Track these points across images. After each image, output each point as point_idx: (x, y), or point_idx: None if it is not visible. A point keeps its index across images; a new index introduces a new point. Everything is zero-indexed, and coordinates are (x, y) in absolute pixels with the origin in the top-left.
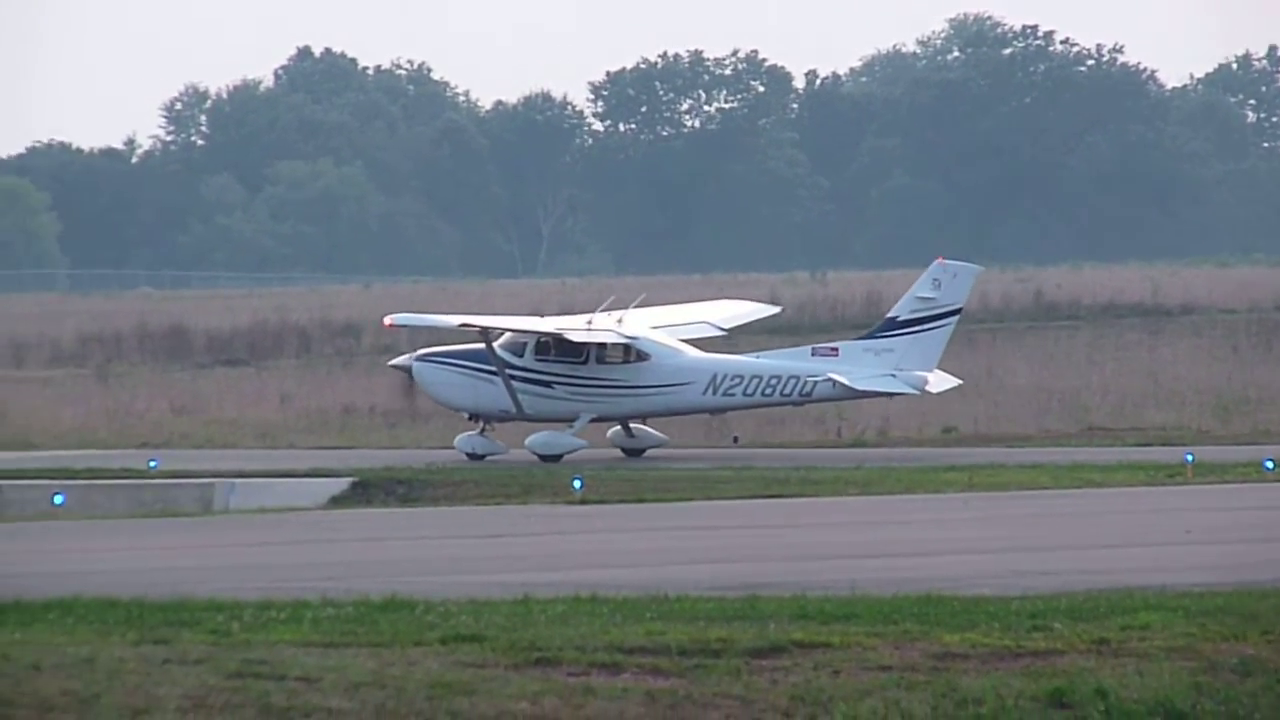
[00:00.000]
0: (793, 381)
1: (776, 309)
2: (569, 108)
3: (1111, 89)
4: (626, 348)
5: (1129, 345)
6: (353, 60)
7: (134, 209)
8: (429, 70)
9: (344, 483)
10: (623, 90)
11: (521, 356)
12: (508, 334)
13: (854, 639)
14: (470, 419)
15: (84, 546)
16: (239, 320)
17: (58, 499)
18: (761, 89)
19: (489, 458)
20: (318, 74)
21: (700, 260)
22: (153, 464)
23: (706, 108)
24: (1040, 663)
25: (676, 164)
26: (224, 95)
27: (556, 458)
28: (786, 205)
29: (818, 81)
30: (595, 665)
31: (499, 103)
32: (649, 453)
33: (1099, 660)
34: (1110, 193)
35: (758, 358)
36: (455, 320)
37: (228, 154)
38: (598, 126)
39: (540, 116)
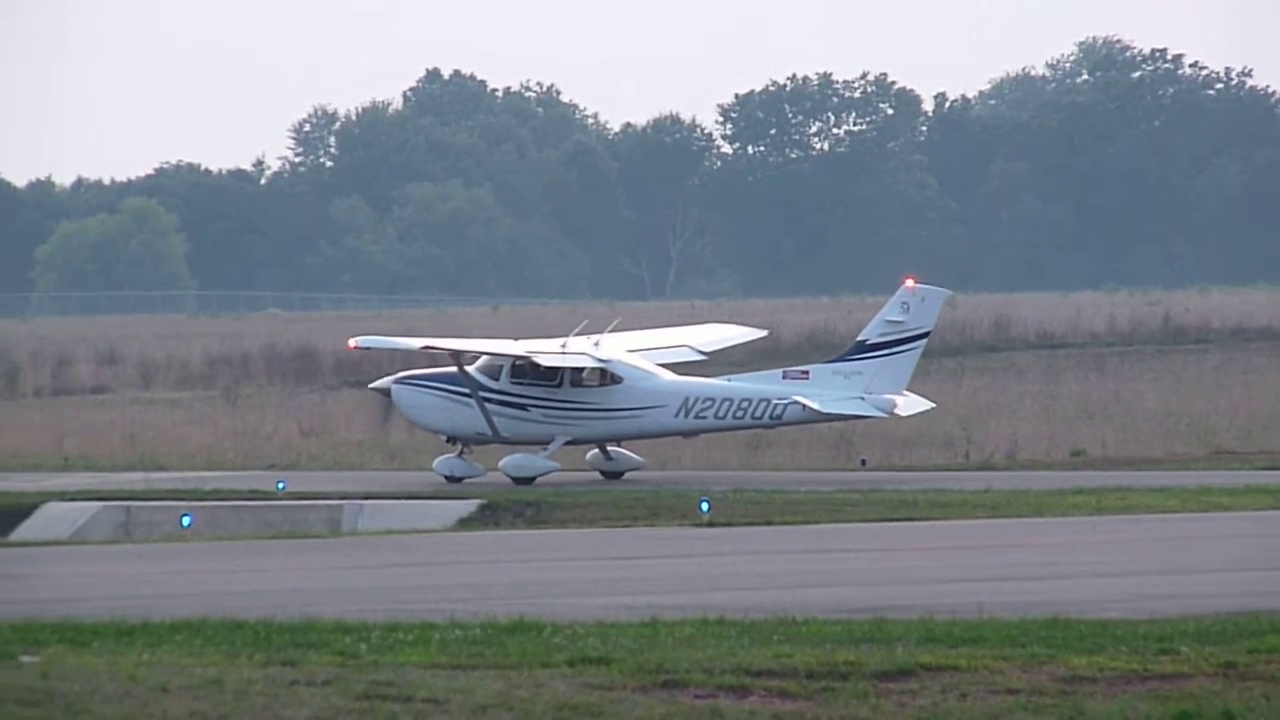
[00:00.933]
0: (763, 404)
1: (763, 333)
2: (698, 130)
3: (1240, 112)
4: (601, 371)
5: (1257, 368)
6: (482, 82)
7: (262, 230)
8: (558, 92)
9: (472, 505)
10: (751, 113)
11: (497, 380)
12: (484, 357)
13: (981, 662)
14: (448, 441)
15: (212, 568)
16: None
17: (186, 520)
18: (890, 111)
19: (466, 480)
20: (447, 96)
21: (828, 283)
22: (280, 486)
23: (835, 130)
24: (1167, 686)
25: (805, 187)
26: (353, 117)
27: (530, 480)
28: (915, 228)
29: (946, 104)
30: (722, 688)
31: (628, 125)
32: (627, 475)
33: (1226, 684)
34: (1239, 216)
35: (729, 381)
36: (418, 343)
37: (356, 176)
38: (726, 149)
39: (669, 139)
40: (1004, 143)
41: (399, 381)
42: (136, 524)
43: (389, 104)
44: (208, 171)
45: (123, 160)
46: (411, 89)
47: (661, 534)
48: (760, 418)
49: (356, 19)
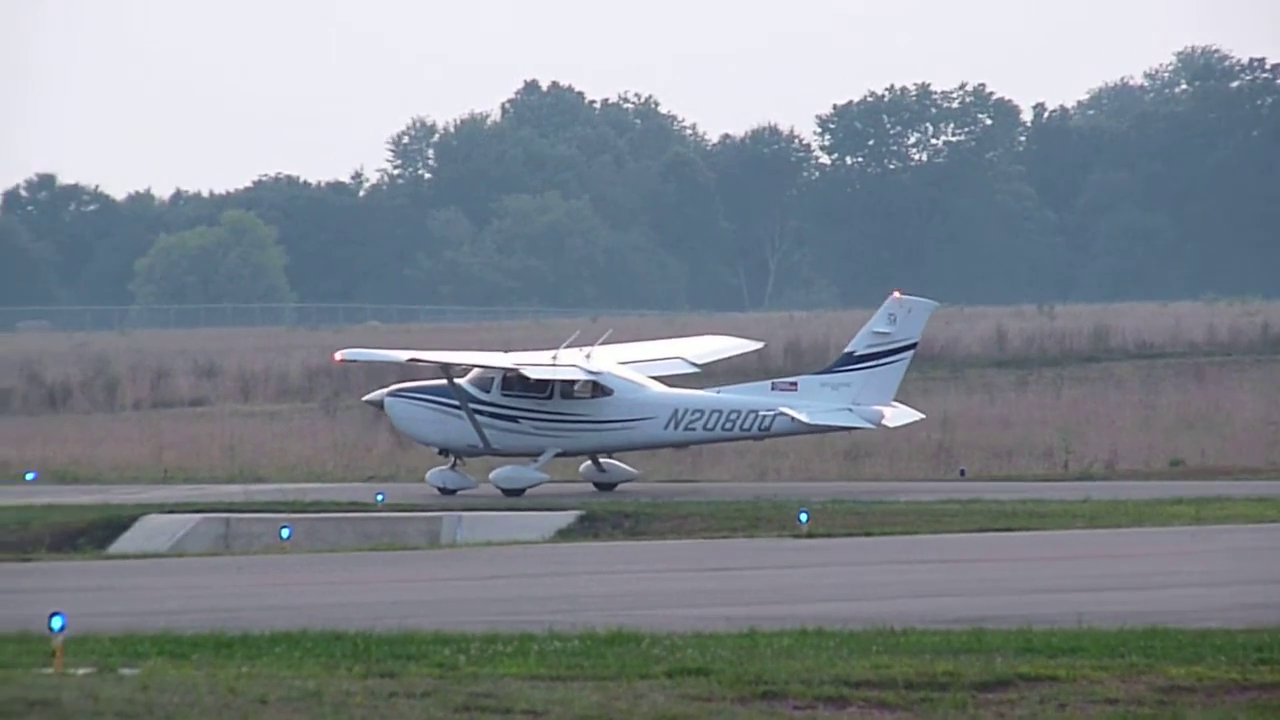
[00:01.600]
0: (751, 416)
1: (759, 344)
2: (796, 141)
3: None
4: (592, 383)
5: None
6: (580, 94)
7: (361, 243)
8: (656, 104)
9: (570, 516)
10: (850, 123)
11: (489, 392)
12: (475, 370)
13: (1080, 672)
14: (440, 454)
15: (311, 580)
16: None
17: (285, 533)
18: (989, 122)
19: (459, 492)
20: (545, 108)
21: (927, 293)
22: (380, 498)
23: (934, 141)
24: (1267, 696)
25: (903, 197)
26: (451, 129)
27: (519, 492)
28: (1014, 238)
29: (1045, 115)
30: (821, 699)
31: (726, 136)
32: (620, 486)
33: None
34: None
35: (718, 393)
36: (404, 356)
37: (455, 188)
38: (825, 160)
39: (767, 150)
40: (1102, 153)
41: (392, 394)
42: (236, 536)
43: (487, 116)
44: (306, 184)
45: (221, 173)
46: (510, 101)
47: (760, 545)
48: (749, 429)
49: (455, 31)
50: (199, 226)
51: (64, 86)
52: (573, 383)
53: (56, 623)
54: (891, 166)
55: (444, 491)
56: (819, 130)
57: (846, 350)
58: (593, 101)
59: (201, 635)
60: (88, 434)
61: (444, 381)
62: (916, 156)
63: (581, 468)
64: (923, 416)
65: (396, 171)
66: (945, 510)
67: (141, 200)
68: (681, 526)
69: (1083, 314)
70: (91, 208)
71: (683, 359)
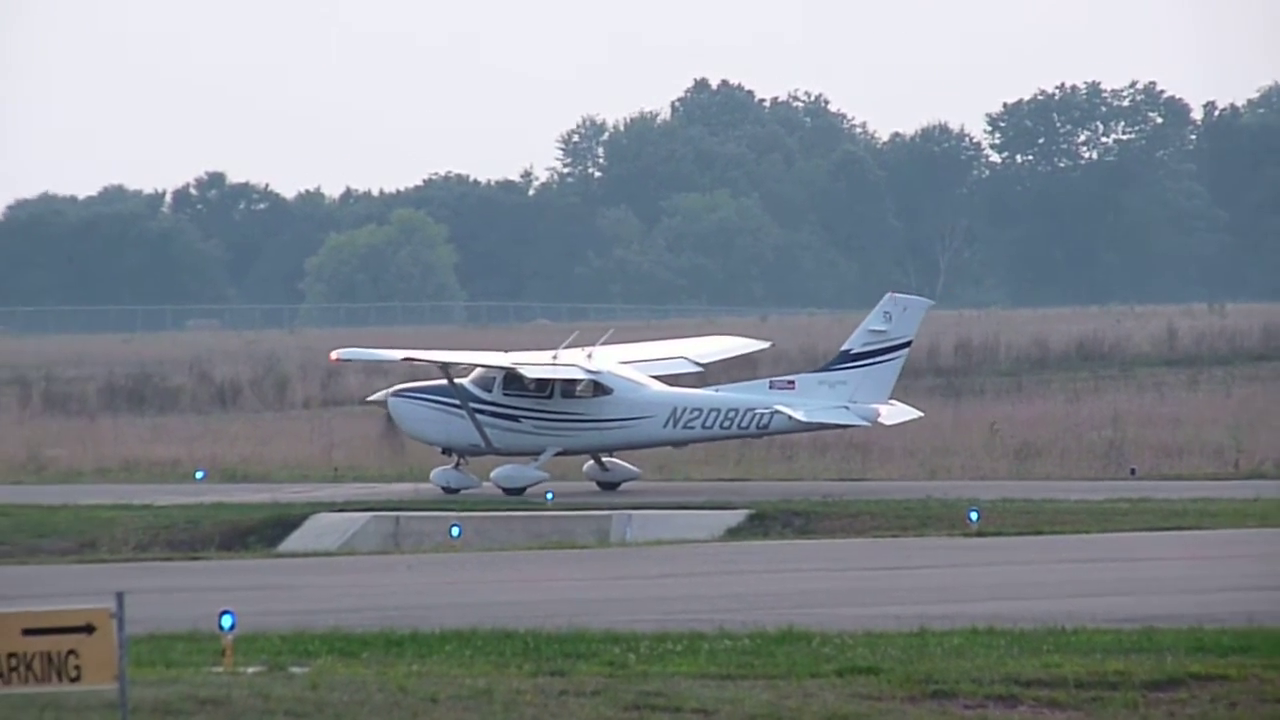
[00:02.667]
0: (748, 414)
1: (766, 344)
2: (966, 139)
3: None
4: (592, 382)
5: None
6: (749, 92)
7: (531, 241)
8: (826, 102)
9: (740, 515)
10: (1020, 122)
11: (490, 391)
12: (478, 369)
13: (1251, 671)
14: (443, 453)
15: (481, 578)
16: None
17: (455, 531)
18: (1159, 120)
19: (463, 491)
20: (714, 106)
21: (1097, 292)
22: (549, 496)
23: (1104, 139)
24: None
25: (1073, 196)
26: (621, 128)
27: (520, 491)
28: (1184, 237)
29: (1215, 113)
30: (992, 698)
31: (896, 134)
32: (623, 486)
33: None
34: None
35: (716, 391)
36: (399, 355)
37: (624, 186)
38: (995, 158)
39: (937, 148)
40: (1274, 151)
41: (396, 394)
42: (406, 534)
43: (657, 114)
44: (476, 182)
45: (391, 171)
46: (679, 99)
47: (930, 544)
48: (747, 427)
49: (625, 30)
50: (369, 225)
51: (232, 85)
52: (574, 382)
53: (226, 621)
54: (1061, 165)
55: (448, 491)
56: (989, 128)
57: (843, 348)
58: (762, 100)
59: (371, 633)
60: (257, 432)
61: (445, 381)
62: (1086, 155)
63: (585, 467)
64: (921, 415)
65: (566, 170)
66: (1115, 509)
67: (311, 199)
68: (851, 525)
69: (1254, 312)
70: (261, 206)
71: (685, 358)
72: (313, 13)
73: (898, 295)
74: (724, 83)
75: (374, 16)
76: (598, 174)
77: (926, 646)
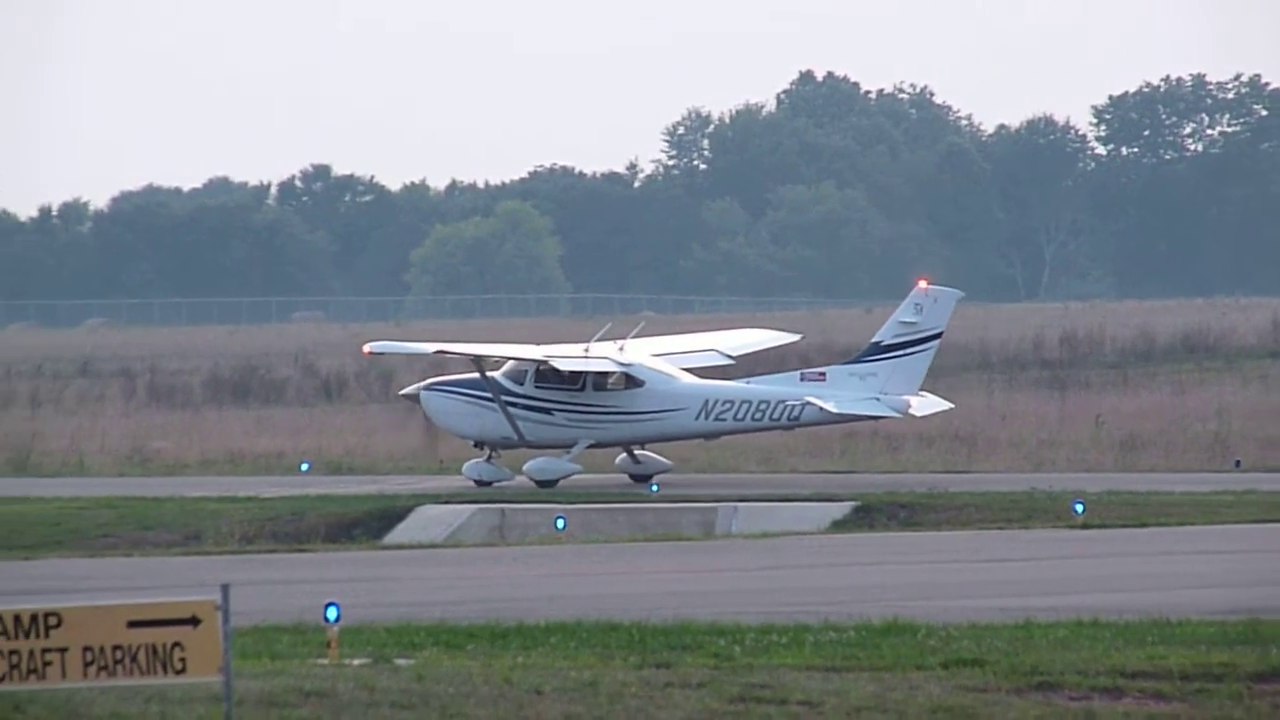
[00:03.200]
0: (780, 406)
1: (796, 337)
2: (1071, 131)
3: None
4: (624, 375)
5: None
6: (855, 84)
7: (636, 233)
8: (931, 94)
9: (846, 507)
10: (1125, 114)
11: (522, 384)
12: (510, 362)
13: None
14: (475, 446)
15: (586, 570)
16: None
17: (560, 523)
18: (1264, 113)
19: (495, 484)
20: (820, 98)
21: (1202, 284)
22: (654, 488)
23: (1209, 131)
24: None
25: (1179, 188)
26: (726, 120)
27: (553, 483)
28: None
29: None
30: (1097, 690)
31: (1001, 126)
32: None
33: None
34: None
35: (748, 383)
36: (431, 348)
37: (729, 178)
38: (1100, 150)
39: (1043, 140)
40: None
41: (428, 388)
42: (511, 526)
43: (762, 106)
44: (581, 174)
45: (496, 163)
46: (785, 91)
47: (1036, 536)
48: (778, 419)
49: (731, 21)
50: (474, 217)
51: (337, 79)
52: (606, 374)
53: (332, 613)
54: (1167, 157)
55: (480, 484)
56: (1094, 121)
57: (874, 340)
58: (868, 92)
59: (476, 625)
60: (362, 424)
61: (477, 374)
62: (1192, 147)
63: (618, 459)
64: (952, 406)
65: (671, 162)
66: (1220, 501)
67: (416, 191)
68: (957, 518)
69: None
70: (366, 198)
71: (716, 351)
72: (419, 9)
73: (930, 287)
74: (829, 74)
75: (480, 14)
76: (703, 166)
77: (1031, 638)
